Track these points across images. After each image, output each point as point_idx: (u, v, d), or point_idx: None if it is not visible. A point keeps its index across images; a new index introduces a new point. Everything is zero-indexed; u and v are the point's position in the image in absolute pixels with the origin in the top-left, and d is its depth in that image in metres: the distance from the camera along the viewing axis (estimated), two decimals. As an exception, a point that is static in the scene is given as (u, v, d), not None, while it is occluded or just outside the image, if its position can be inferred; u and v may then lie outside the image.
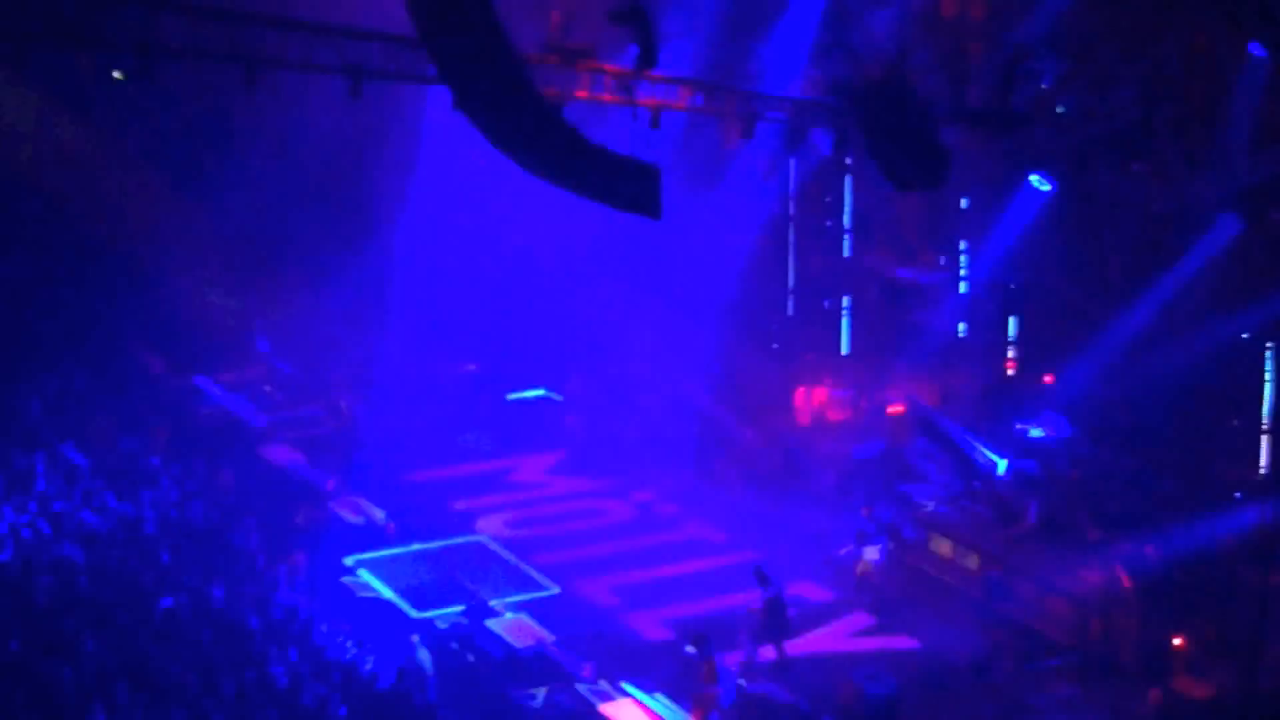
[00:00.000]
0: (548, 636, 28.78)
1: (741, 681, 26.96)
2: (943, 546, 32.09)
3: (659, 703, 26.85)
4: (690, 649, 27.05)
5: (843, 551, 31.63)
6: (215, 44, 21.46)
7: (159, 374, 39.40)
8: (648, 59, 23.84)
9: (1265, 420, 31.29)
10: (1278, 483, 29.53)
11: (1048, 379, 35.31)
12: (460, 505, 34.70)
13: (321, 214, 40.70)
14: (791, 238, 39.86)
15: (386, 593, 30.64)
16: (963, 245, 37.39)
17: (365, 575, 31.29)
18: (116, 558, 28.73)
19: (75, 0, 20.57)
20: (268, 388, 40.16)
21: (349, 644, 26.99)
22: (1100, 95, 32.41)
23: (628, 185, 20.38)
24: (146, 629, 26.29)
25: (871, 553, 31.54)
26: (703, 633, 26.74)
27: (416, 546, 32.52)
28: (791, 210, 39.45)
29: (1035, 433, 34.33)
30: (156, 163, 41.92)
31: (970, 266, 37.24)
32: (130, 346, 39.98)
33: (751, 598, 28.86)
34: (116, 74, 34.47)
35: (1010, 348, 36.81)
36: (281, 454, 36.59)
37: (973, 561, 31.52)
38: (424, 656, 26.78)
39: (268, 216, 40.94)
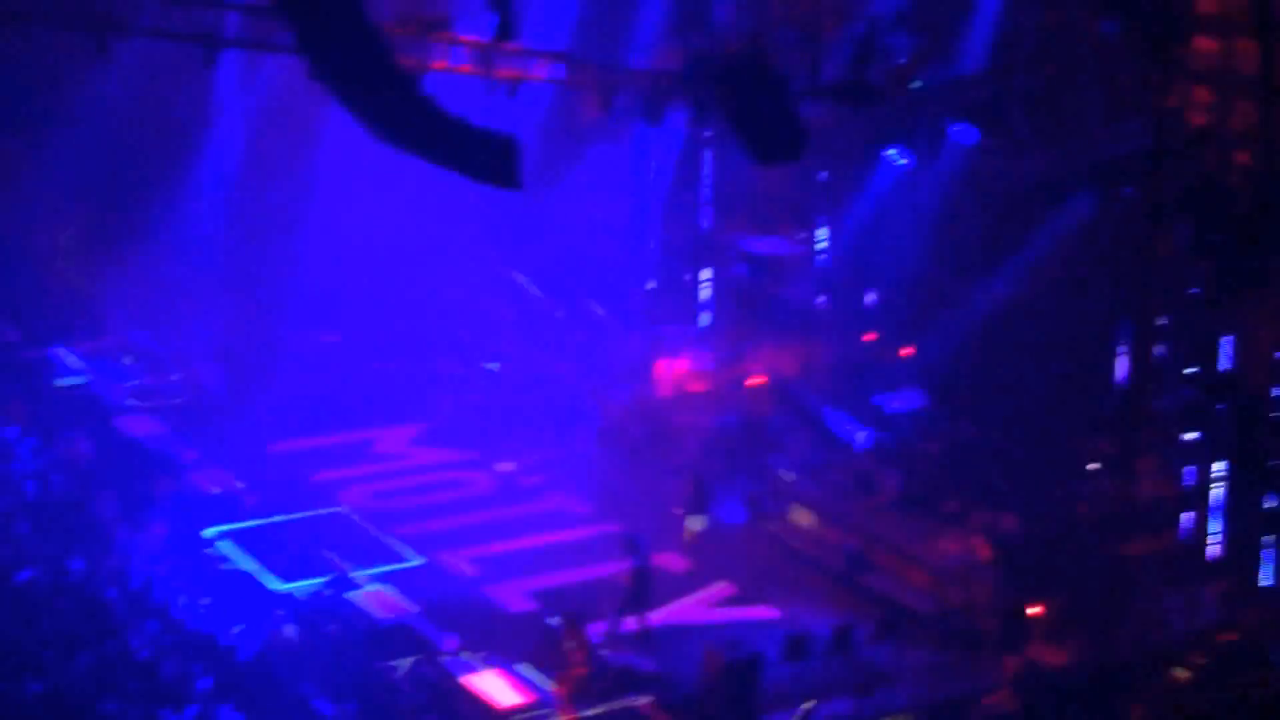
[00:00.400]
0: (411, 608, 28.76)
1: (604, 652, 27.03)
2: (803, 517, 32.39)
3: (522, 674, 26.90)
4: (554, 620, 27.15)
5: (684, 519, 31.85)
6: (66, 7, 21.16)
7: (14, 345, 38.94)
8: (507, 31, 23.81)
9: (1115, 393, 31.70)
10: (1126, 456, 29.99)
11: (906, 352, 35.59)
12: (322, 476, 34.50)
13: (172, 182, 40.30)
14: (653, 210, 39.98)
15: (248, 564, 30.46)
16: (821, 219, 37.61)
17: (226, 547, 31.08)
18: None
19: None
20: (126, 358, 39.78)
21: (210, 616, 26.80)
22: (954, 70, 32.85)
23: (485, 157, 20.35)
24: (2, 602, 26.04)
25: (697, 522, 31.72)
26: (573, 612, 26.84)
27: (278, 518, 32.30)
28: (653, 183, 39.54)
29: (893, 405, 34.67)
30: (12, 131, 41.42)
31: (829, 240, 37.47)
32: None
33: (615, 568, 28.99)
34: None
35: (868, 321, 37.03)
36: (140, 425, 36.23)
37: (832, 532, 31.81)
38: (289, 630, 26.75)
39: (119, 184, 40.57)
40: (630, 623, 28.32)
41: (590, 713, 25.66)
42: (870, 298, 36.87)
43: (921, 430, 34.28)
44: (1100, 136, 31.23)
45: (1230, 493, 30.18)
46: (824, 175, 36.89)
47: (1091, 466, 31.20)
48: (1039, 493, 31.06)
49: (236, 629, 26.50)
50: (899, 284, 35.77)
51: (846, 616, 28.57)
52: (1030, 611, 28.18)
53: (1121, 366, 31.06)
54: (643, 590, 28.57)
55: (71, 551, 28.13)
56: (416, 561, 31.08)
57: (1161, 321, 30.96)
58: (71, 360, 39.08)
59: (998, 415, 33.12)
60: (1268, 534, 29.69)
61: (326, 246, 40.13)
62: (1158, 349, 31.10)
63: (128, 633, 25.20)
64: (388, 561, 30.91)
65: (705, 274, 39.82)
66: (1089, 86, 31.47)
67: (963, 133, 32.70)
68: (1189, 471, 30.57)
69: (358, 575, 29.88)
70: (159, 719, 22.96)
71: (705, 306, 39.80)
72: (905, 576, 30.35)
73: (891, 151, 33.81)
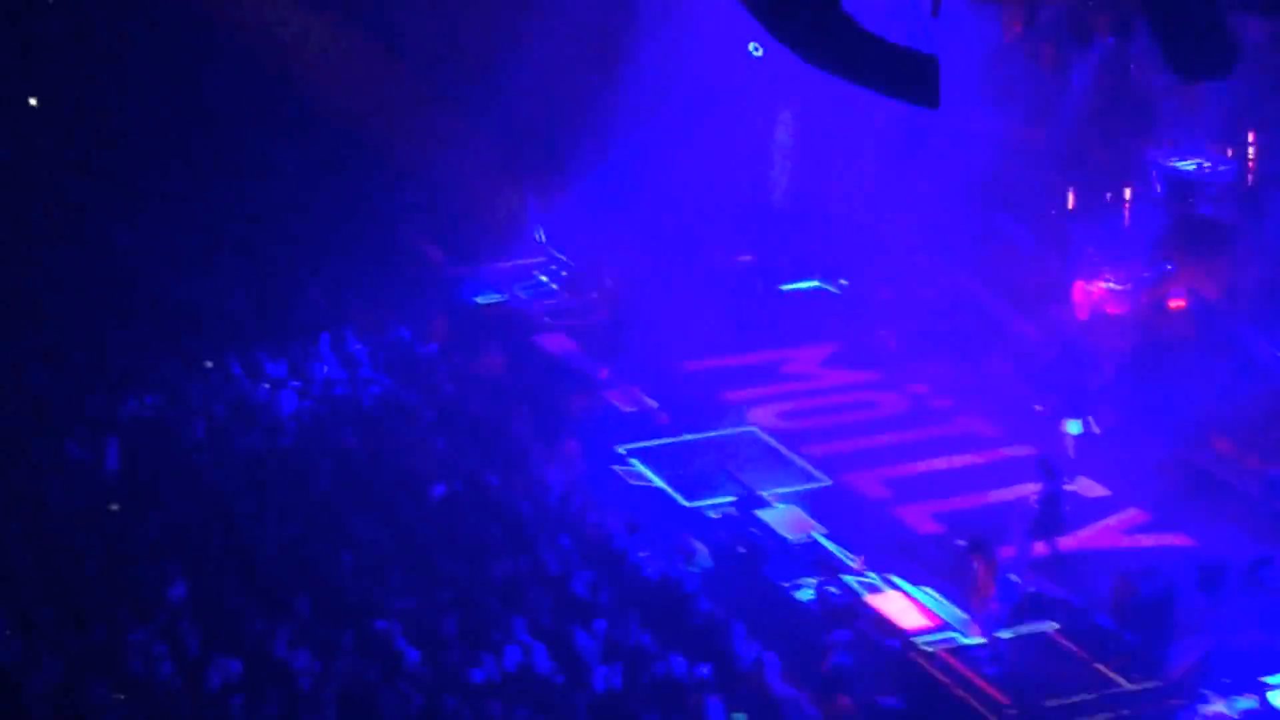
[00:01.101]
0: (818, 528, 28.79)
1: (1013, 577, 26.70)
2: (1221, 443, 31.48)
3: (928, 595, 26.77)
4: (962, 543, 26.94)
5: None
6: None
7: (437, 263, 39.98)
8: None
9: None
10: None
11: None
12: (732, 396, 34.65)
13: (592, 105, 40.85)
14: (1072, 128, 39.14)
15: (658, 482, 30.85)
16: (1249, 137, 36.37)
17: (637, 464, 31.53)
18: (393, 444, 29.31)
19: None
20: (543, 277, 40.59)
21: (622, 533, 27.19)
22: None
23: (906, 75, 20.13)
24: (421, 515, 26.82)
25: (1074, 425, 31.03)
26: (981, 535, 26.53)
27: (688, 436, 32.62)
28: (1072, 101, 38.70)
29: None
30: (437, 62, 42.57)
31: (1258, 159, 36.22)
32: (409, 236, 40.68)
33: (1025, 493, 28.62)
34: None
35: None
36: (556, 342, 36.93)
37: (1252, 460, 30.91)
38: (701, 548, 27.04)
39: (544, 107, 41.37)
40: (1040, 547, 27.97)
41: (998, 637, 25.40)
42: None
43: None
44: None
45: None
46: (1253, 92, 35.62)
47: None
48: None
49: (643, 546, 26.89)
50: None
51: (1265, 547, 27.72)
52: None
53: None
54: (1054, 515, 28.20)
55: (487, 466, 28.88)
56: (825, 482, 31.09)
57: None
58: (491, 278, 39.97)
59: None
60: None
61: (742, 167, 40.41)
62: None
63: (540, 547, 25.75)
64: (796, 481, 30.93)
65: (1125, 193, 38.80)
66: None
67: None
68: None
69: (766, 494, 30.00)
70: (569, 633, 23.43)
71: (1125, 227, 38.78)
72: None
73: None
